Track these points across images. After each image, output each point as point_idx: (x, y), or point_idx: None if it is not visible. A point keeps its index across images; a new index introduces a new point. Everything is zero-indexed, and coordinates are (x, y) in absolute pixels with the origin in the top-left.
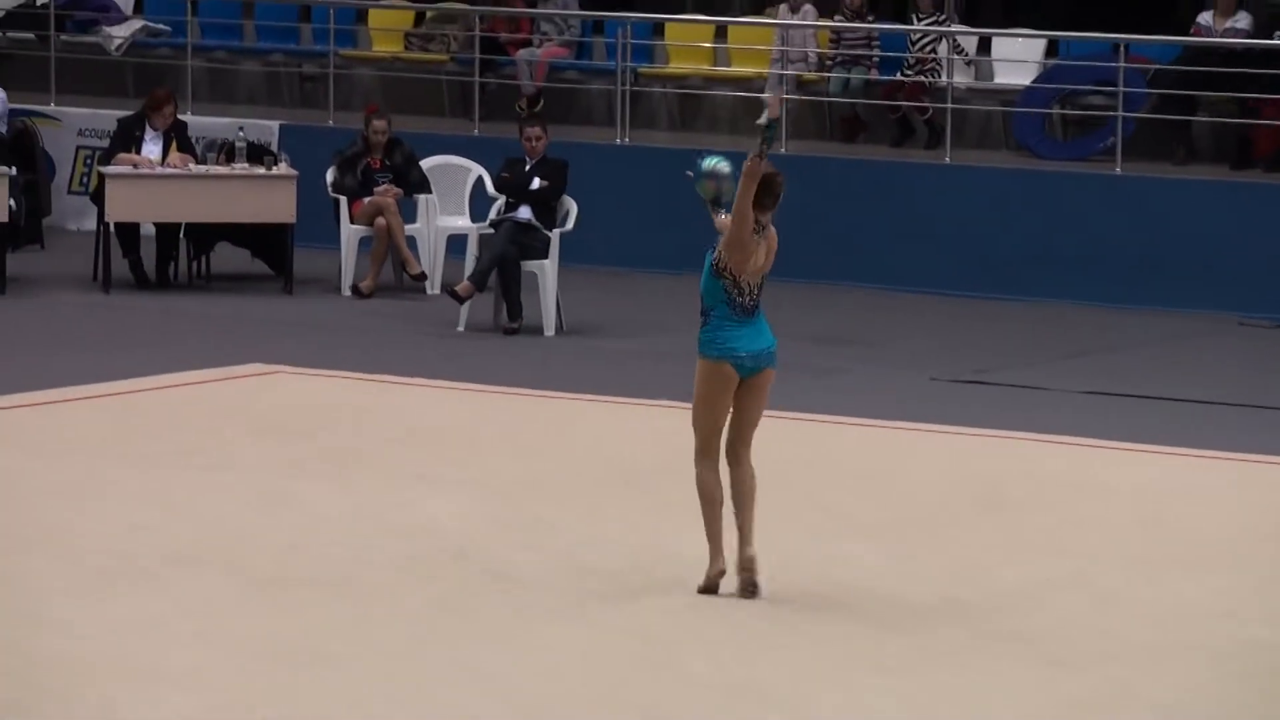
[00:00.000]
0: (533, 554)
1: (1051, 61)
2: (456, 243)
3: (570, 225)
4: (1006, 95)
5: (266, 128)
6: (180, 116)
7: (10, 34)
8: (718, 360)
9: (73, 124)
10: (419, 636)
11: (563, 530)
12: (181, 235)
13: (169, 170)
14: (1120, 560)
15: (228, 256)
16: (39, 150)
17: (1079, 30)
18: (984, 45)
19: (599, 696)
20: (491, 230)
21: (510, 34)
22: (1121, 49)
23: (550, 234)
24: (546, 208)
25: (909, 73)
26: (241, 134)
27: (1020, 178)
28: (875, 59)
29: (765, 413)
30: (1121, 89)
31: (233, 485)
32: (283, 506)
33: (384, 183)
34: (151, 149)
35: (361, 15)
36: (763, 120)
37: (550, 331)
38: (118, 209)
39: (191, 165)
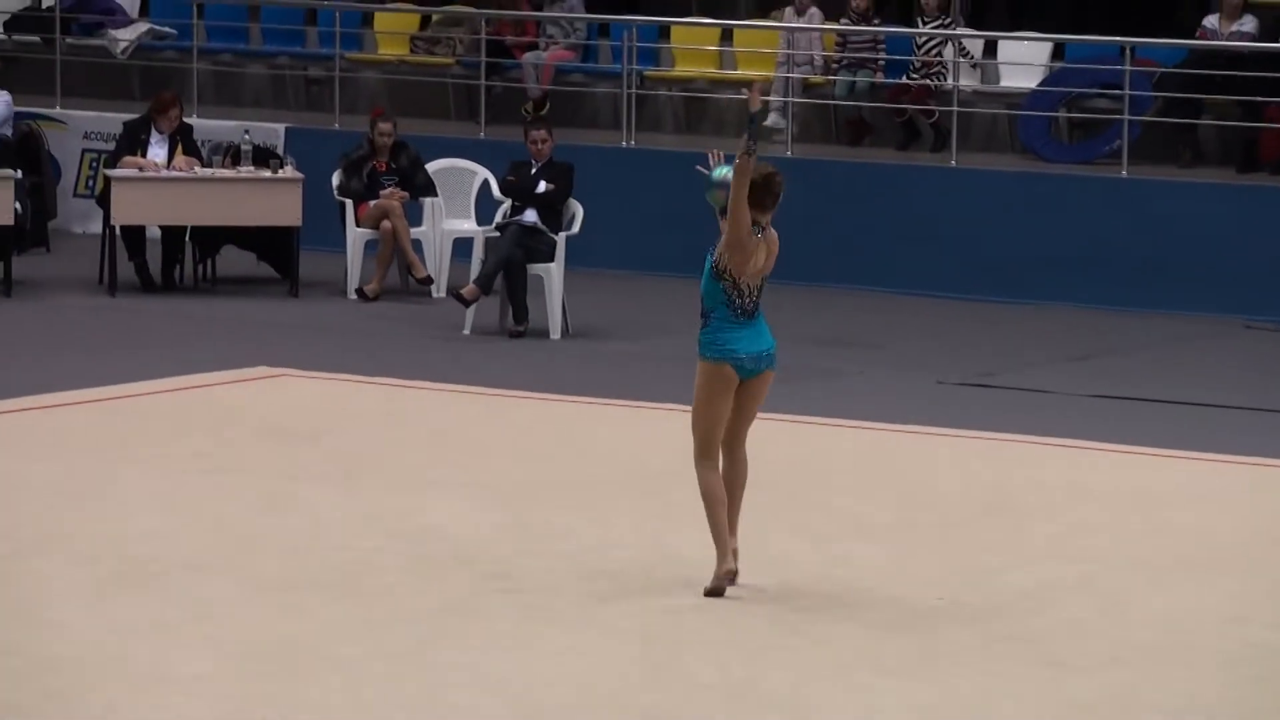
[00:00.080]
0: (538, 557)
1: (1057, 64)
2: (462, 246)
3: (576, 228)
4: (1012, 98)
5: (272, 131)
6: (186, 119)
7: (16, 37)
8: (718, 362)
9: (78, 127)
10: (425, 640)
11: (568, 533)
12: (187, 238)
13: (175, 173)
14: (1127, 564)
15: (233, 259)
16: (45, 153)
17: (1084, 33)
18: (990, 48)
19: (604, 700)
20: (497, 233)
21: (516, 37)
22: (1127, 52)
23: (556, 237)
24: (552, 211)
25: (915, 76)
26: (247, 137)
27: (1026, 181)
28: (881, 62)
29: (771, 416)
30: (1127, 92)
31: (238, 488)
32: (288, 510)
33: (390, 186)
34: (157, 152)
35: (367, 18)
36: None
37: (556, 335)
38: (123, 212)
39: (197, 168)
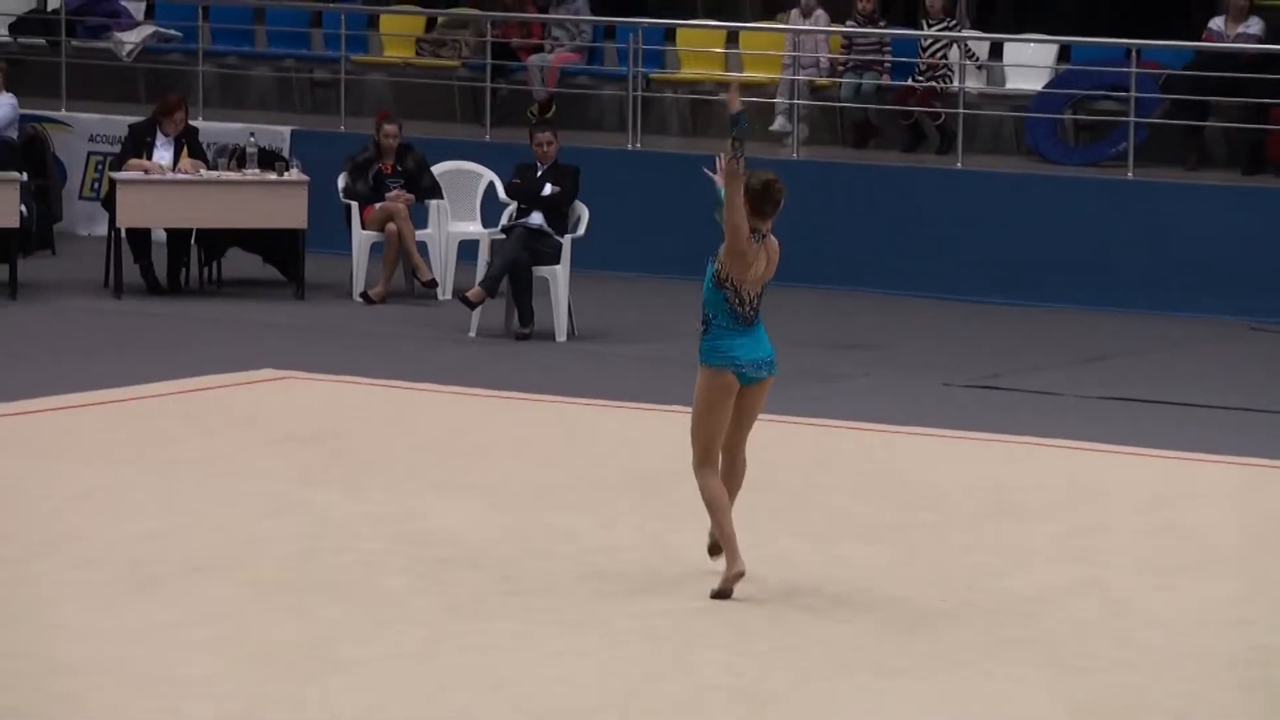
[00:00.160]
0: (542, 559)
1: (1063, 67)
2: (468, 248)
3: (581, 231)
4: (1018, 100)
5: (278, 133)
6: (191, 122)
7: (21, 39)
8: (720, 370)
9: (84, 129)
10: (429, 641)
11: (573, 535)
12: (193, 241)
13: (180, 176)
14: (1131, 565)
15: (239, 262)
16: (50, 156)
17: (1091, 35)
18: (995, 50)
19: (608, 701)
20: (503, 236)
21: (522, 39)
22: (1133, 54)
23: (561, 239)
24: (558, 213)
25: (920, 78)
26: (253, 140)
27: (1032, 183)
28: (887, 64)
29: (776, 417)
30: (1133, 94)
31: (243, 491)
32: (293, 512)
33: (395, 188)
34: (163, 155)
35: (373, 21)
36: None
37: (562, 337)
38: (129, 214)
39: (203, 171)
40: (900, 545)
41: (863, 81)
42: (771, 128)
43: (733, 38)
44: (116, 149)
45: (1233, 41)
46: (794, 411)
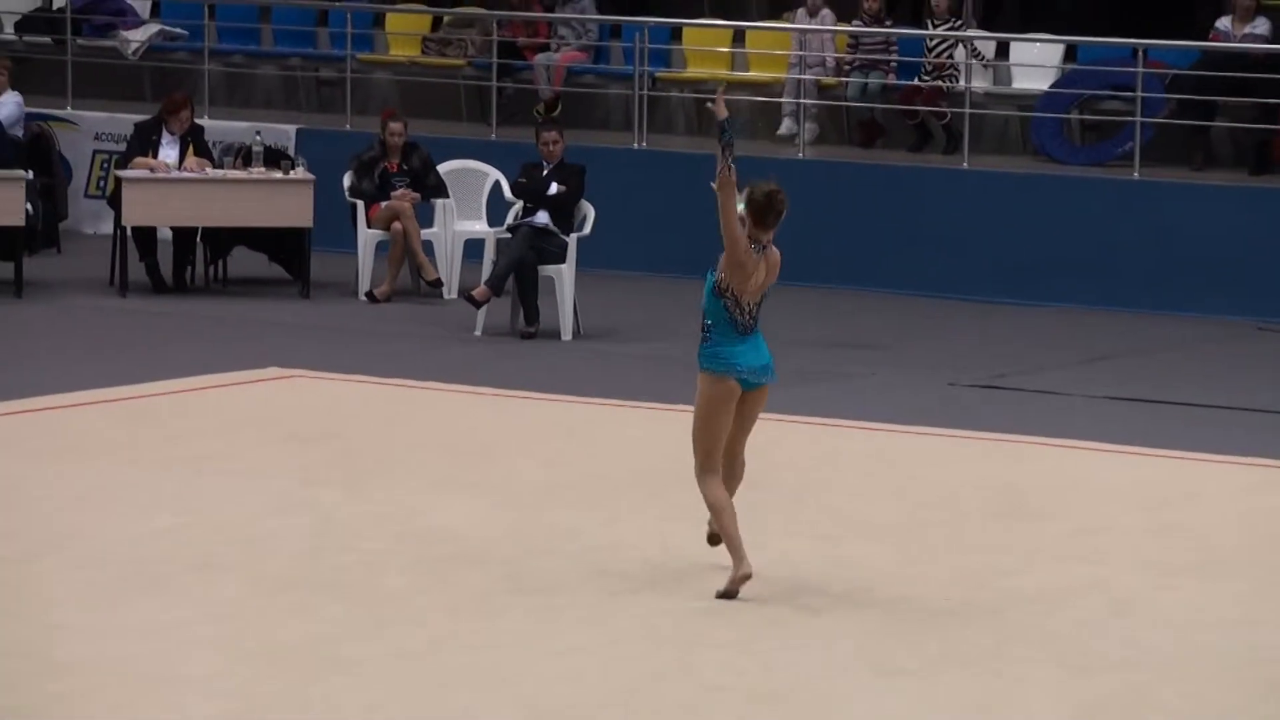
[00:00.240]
0: (547, 558)
1: (1070, 66)
2: (473, 247)
3: (587, 230)
4: (1024, 100)
5: (283, 132)
6: (197, 120)
7: (27, 38)
8: (722, 376)
9: (90, 128)
10: (433, 640)
11: (577, 534)
12: (198, 239)
13: (186, 174)
14: (1137, 566)
15: (245, 261)
16: (56, 154)
17: (1097, 35)
18: (1002, 50)
19: (616, 701)
20: (508, 235)
21: (528, 38)
22: (1140, 54)
23: (567, 238)
24: (564, 212)
25: (927, 77)
26: (259, 138)
27: (1038, 182)
28: (893, 64)
29: (782, 417)
30: (1140, 94)
31: (248, 489)
32: (298, 510)
33: (401, 187)
34: (168, 153)
35: (379, 19)
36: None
37: (567, 336)
38: (135, 213)
39: (208, 169)
40: (905, 545)
41: (869, 81)
42: (779, 131)
43: (739, 37)
44: (122, 147)
45: (1239, 41)
46: (800, 411)
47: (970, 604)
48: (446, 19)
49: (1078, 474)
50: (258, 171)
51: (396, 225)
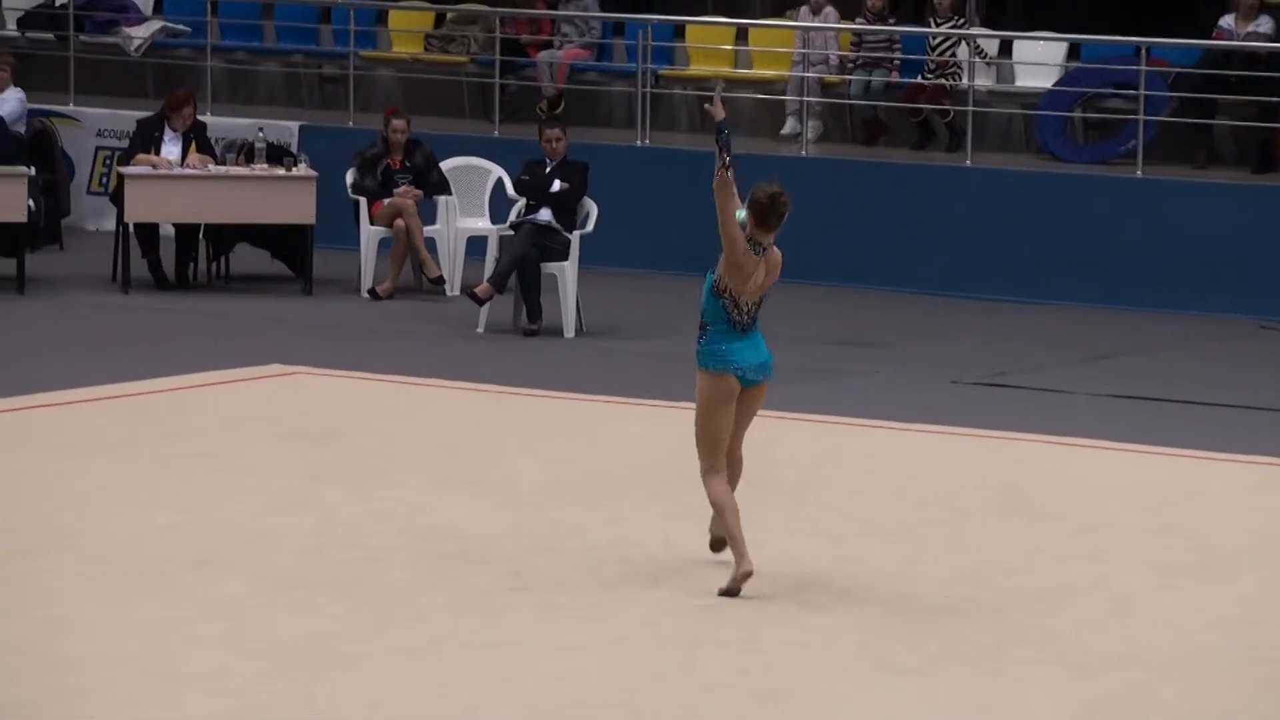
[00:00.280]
0: (550, 555)
1: (1073, 64)
2: (476, 244)
3: (590, 227)
4: (1027, 98)
5: (286, 129)
6: (200, 117)
7: (30, 34)
8: (721, 373)
9: (92, 124)
10: (438, 639)
11: (580, 531)
12: (201, 236)
13: (188, 171)
14: (1139, 564)
15: (247, 257)
16: (58, 150)
17: (1100, 33)
18: (1005, 48)
19: (616, 698)
20: (511, 232)
21: (531, 36)
22: (1143, 52)
23: (570, 236)
24: (566, 209)
25: (930, 75)
26: (261, 135)
27: (1041, 180)
28: (896, 61)
29: (784, 414)
30: (1143, 92)
31: (250, 486)
32: (300, 508)
33: (404, 184)
34: (171, 150)
35: (382, 16)
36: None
37: (570, 333)
38: (137, 209)
39: (211, 166)
40: (908, 543)
41: (872, 79)
42: (783, 132)
43: (742, 35)
44: (124, 144)
45: (1243, 40)
46: (802, 408)
47: (971, 602)
48: (449, 16)
49: (1080, 472)
50: (260, 168)
51: (399, 222)
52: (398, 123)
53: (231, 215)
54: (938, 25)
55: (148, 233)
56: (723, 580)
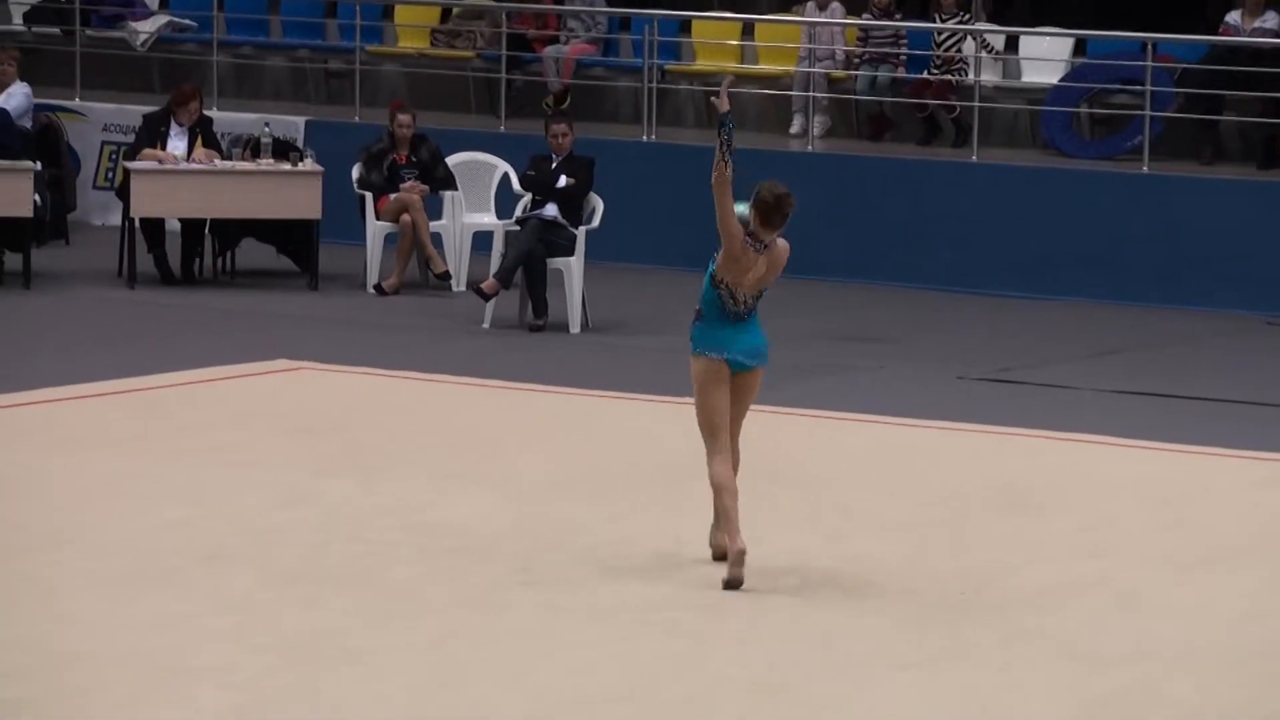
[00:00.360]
0: (556, 551)
1: (1079, 60)
2: (482, 240)
3: (596, 222)
4: (1034, 94)
5: (292, 124)
6: (206, 112)
7: (36, 29)
8: (710, 356)
9: (98, 119)
10: (443, 633)
11: (588, 527)
12: (207, 231)
13: (194, 166)
14: (1146, 560)
15: (253, 252)
16: (64, 145)
17: (1107, 29)
18: (1011, 44)
19: (623, 693)
20: (517, 227)
21: (537, 31)
22: (1149, 48)
23: (576, 231)
24: (572, 205)
25: (936, 71)
26: (267, 130)
27: (1047, 176)
28: (902, 57)
29: (789, 410)
30: (1149, 88)
31: (258, 482)
32: (308, 503)
33: (410, 179)
34: (177, 144)
35: (388, 11)
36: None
37: (575, 329)
38: (143, 204)
39: (217, 161)
40: (913, 538)
41: (878, 74)
42: (791, 130)
43: (748, 30)
44: (130, 138)
45: (1249, 35)
46: (807, 404)
47: (977, 598)
48: (455, 11)
49: (1085, 468)
50: (266, 163)
51: (405, 217)
52: (403, 118)
53: (237, 210)
54: (944, 20)
55: (154, 228)
56: (725, 573)
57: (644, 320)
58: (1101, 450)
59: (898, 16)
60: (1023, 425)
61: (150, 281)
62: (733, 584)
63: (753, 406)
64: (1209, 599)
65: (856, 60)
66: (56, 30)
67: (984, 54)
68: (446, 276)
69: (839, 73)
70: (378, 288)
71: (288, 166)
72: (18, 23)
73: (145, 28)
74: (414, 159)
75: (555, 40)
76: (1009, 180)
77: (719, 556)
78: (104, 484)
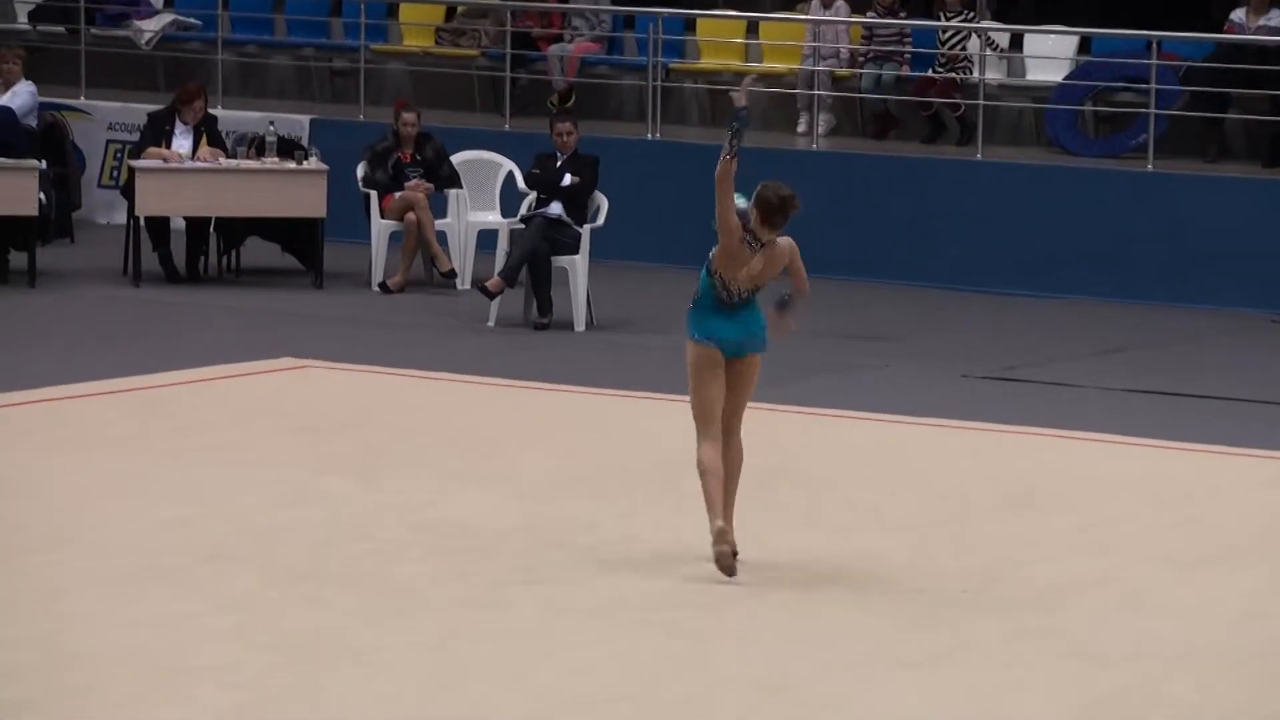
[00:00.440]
0: (560, 549)
1: (1084, 58)
2: (487, 238)
3: (601, 221)
4: (1038, 92)
5: (297, 122)
6: (211, 110)
7: (41, 27)
8: (702, 342)
9: (103, 118)
10: (447, 632)
11: (592, 526)
12: (211, 229)
13: (199, 164)
14: (1149, 558)
15: (258, 251)
16: (69, 144)
17: (1111, 27)
18: (1016, 42)
19: (626, 692)
20: (522, 226)
21: (542, 29)
22: (1154, 46)
23: (580, 229)
24: (577, 203)
25: (941, 69)
26: (272, 128)
27: (1052, 174)
28: (907, 55)
29: (794, 408)
30: (1154, 86)
31: (262, 480)
32: (312, 502)
33: (415, 177)
34: (182, 143)
35: (392, 10)
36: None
37: (580, 327)
38: (148, 203)
39: (222, 159)
40: (918, 536)
41: (883, 72)
42: (799, 129)
43: (753, 28)
44: (135, 137)
45: (1254, 33)
46: (812, 402)
47: (982, 596)
48: (460, 9)
49: (1090, 466)
50: (271, 162)
51: (410, 216)
52: (408, 116)
53: (242, 209)
54: (948, 19)
55: (158, 226)
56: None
57: (649, 318)
58: (1106, 449)
59: (902, 15)
60: (1027, 424)
61: (155, 280)
62: (719, 563)
63: (756, 405)
64: (1211, 598)
65: (861, 58)
66: (61, 29)
67: (988, 52)
68: (451, 275)
69: (844, 71)
70: (382, 286)
71: (292, 165)
72: (23, 21)
73: (150, 26)
74: (419, 157)
75: (560, 39)
76: (1014, 178)
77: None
78: (106, 482)
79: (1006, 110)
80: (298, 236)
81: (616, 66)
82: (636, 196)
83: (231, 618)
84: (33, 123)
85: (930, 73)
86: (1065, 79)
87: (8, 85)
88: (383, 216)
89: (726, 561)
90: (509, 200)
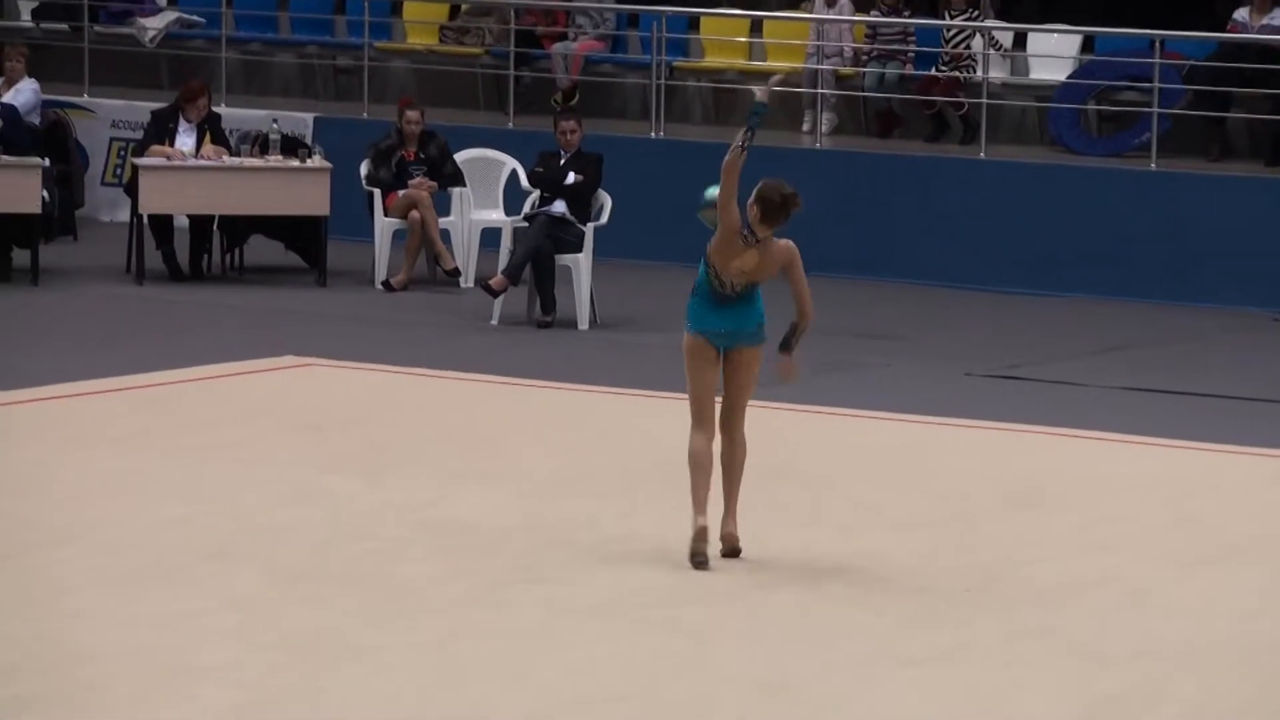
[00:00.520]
0: (563, 548)
1: (1087, 57)
2: (490, 236)
3: (604, 219)
4: (1042, 91)
5: (301, 120)
6: (214, 108)
7: (44, 25)
8: (695, 334)
9: (106, 115)
10: (449, 630)
11: (595, 524)
12: (215, 227)
13: (203, 162)
14: (1153, 557)
15: (261, 249)
16: (72, 141)
17: (1115, 26)
18: (1019, 41)
19: (628, 691)
20: (525, 224)
21: (545, 27)
22: (1157, 45)
23: (584, 228)
24: (581, 201)
25: (944, 68)
26: (276, 126)
27: (1055, 173)
28: (911, 54)
29: (798, 407)
30: (1157, 85)
31: (265, 479)
32: (315, 500)
33: (418, 175)
34: (185, 141)
35: (396, 8)
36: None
37: (584, 325)
38: (151, 201)
39: (225, 157)
40: (921, 535)
41: (886, 71)
42: (804, 129)
43: (757, 26)
44: (139, 135)
45: (1257, 32)
46: (815, 401)
47: (985, 595)
48: (464, 7)
49: (1093, 465)
50: (275, 159)
51: (414, 214)
52: (412, 114)
53: (246, 207)
54: (952, 17)
55: (162, 224)
56: (731, 573)
57: (652, 317)
58: (1108, 447)
59: (906, 13)
60: (1030, 422)
61: (158, 278)
62: (692, 560)
63: (758, 403)
64: (1214, 596)
65: (865, 57)
66: (65, 26)
67: (992, 51)
68: (455, 273)
69: (847, 70)
70: (386, 284)
71: (296, 163)
72: (26, 19)
73: (154, 24)
74: (422, 155)
75: (564, 37)
76: (1017, 177)
77: (727, 552)
78: (109, 480)
79: (1010, 109)
80: (301, 234)
81: (620, 65)
82: (640, 195)
83: (233, 616)
84: (36, 120)
85: (934, 71)
86: (1068, 78)
87: (11, 83)
88: (386, 215)
89: (699, 559)
90: (512, 198)
